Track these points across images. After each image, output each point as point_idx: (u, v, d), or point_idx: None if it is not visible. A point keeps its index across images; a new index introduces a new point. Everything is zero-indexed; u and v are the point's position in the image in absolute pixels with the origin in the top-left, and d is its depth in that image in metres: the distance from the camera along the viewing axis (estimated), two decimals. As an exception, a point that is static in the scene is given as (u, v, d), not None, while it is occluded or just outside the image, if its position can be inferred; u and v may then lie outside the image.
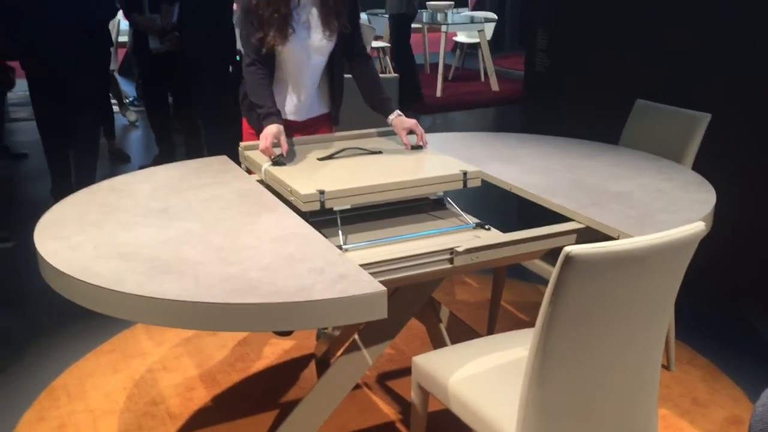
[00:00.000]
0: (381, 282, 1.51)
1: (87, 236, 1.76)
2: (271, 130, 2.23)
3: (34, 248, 1.71)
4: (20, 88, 5.62)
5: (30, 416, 2.43)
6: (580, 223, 1.96)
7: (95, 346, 2.86)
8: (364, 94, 2.54)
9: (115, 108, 6.82)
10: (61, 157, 4.34)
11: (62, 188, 4.18)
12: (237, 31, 4.79)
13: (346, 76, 2.59)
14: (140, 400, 2.53)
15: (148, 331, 2.97)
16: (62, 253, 1.66)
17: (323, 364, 2.71)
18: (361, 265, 1.61)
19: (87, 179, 4.12)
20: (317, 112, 2.59)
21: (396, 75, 3.44)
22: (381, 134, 2.56)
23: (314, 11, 2.41)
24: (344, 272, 1.54)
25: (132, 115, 6.68)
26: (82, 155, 4.38)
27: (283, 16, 2.33)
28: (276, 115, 2.30)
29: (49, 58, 4.00)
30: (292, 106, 2.53)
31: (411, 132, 2.40)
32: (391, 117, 2.44)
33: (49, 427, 2.38)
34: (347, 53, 2.53)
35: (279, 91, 2.48)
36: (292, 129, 2.50)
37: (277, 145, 2.23)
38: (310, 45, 2.42)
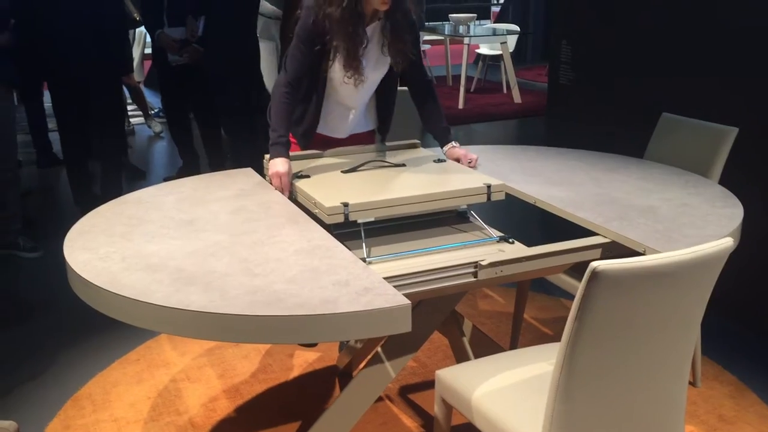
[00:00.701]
0: (405, 295, 1.51)
1: (115, 248, 1.78)
2: (279, 169, 2.19)
3: (62, 258, 1.74)
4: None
5: (56, 425, 2.46)
6: (605, 237, 1.94)
7: (120, 356, 2.89)
8: (424, 121, 2.58)
9: (141, 120, 6.92)
10: (80, 168, 4.41)
11: (86, 198, 4.24)
12: (261, 44, 4.84)
13: (400, 88, 2.59)
14: (164, 410, 2.54)
15: (172, 342, 2.99)
16: (91, 264, 1.68)
17: (346, 377, 2.70)
18: (385, 278, 1.61)
19: (113, 191, 4.18)
20: (362, 129, 2.59)
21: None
22: (405, 147, 2.57)
23: (374, 40, 2.34)
24: (369, 285, 1.55)
25: (157, 127, 6.76)
26: (103, 167, 4.45)
27: (353, 49, 2.25)
28: (284, 146, 2.25)
29: (65, 70, 4.08)
30: (336, 124, 2.51)
31: (458, 160, 2.46)
32: (446, 148, 2.50)
33: (75, 436, 2.40)
34: (409, 81, 2.52)
35: (327, 106, 2.45)
36: (332, 144, 2.51)
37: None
38: (366, 74, 2.35)
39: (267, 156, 2.39)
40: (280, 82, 2.34)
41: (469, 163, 2.43)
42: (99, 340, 2.98)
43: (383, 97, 2.53)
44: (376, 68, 2.37)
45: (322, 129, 2.50)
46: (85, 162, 4.43)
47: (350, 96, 2.43)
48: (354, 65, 2.27)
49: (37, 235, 4.07)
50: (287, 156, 2.25)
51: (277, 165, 2.21)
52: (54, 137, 5.92)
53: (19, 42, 3.95)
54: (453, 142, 2.50)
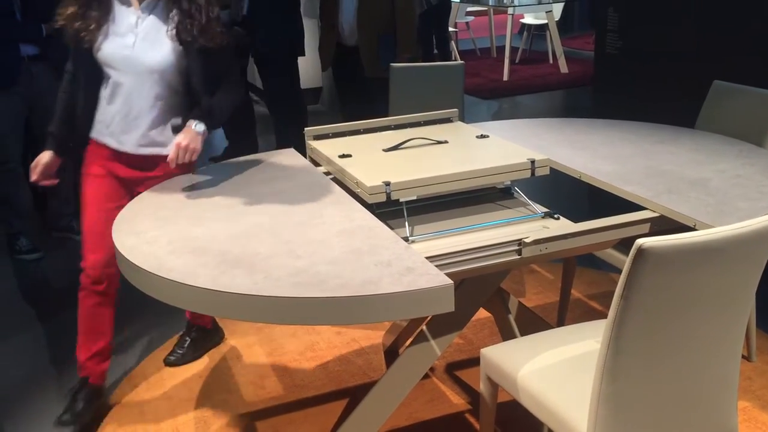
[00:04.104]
0: (447, 274, 1.50)
1: (161, 231, 1.81)
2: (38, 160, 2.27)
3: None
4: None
5: (111, 402, 2.53)
6: (653, 211, 1.90)
7: (173, 335, 2.95)
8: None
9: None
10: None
11: None
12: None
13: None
14: (215, 388, 2.60)
15: (221, 321, 3.05)
16: (139, 248, 1.71)
17: (392, 355, 2.72)
18: (428, 258, 1.60)
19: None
20: (156, 147, 2.30)
21: (462, 62, 3.40)
22: (446, 122, 2.54)
23: (153, 18, 2.20)
24: (411, 265, 1.54)
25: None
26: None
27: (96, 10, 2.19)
28: (50, 140, 2.30)
29: None
30: (117, 129, 2.27)
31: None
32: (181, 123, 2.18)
33: (130, 414, 2.47)
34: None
35: (105, 104, 2.26)
36: (115, 159, 2.29)
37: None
38: (135, 51, 2.20)
39: (307, 130, 2.38)
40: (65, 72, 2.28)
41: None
42: (152, 321, 3.06)
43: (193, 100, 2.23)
44: (153, 48, 2.16)
45: (101, 134, 2.27)
46: None
47: (128, 86, 2.19)
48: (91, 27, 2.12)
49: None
50: (52, 149, 2.26)
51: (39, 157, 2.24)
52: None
53: None
54: (194, 122, 2.14)
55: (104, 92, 2.22)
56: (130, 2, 2.18)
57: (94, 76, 2.22)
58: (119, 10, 2.18)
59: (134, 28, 2.16)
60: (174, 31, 2.16)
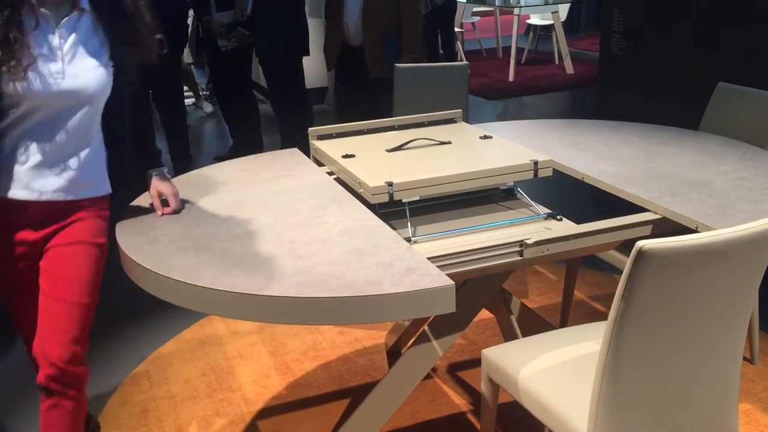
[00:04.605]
0: (449, 275, 1.50)
1: (164, 230, 1.82)
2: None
3: (115, 240, 1.79)
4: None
5: (114, 401, 2.54)
6: (656, 213, 1.90)
7: (175, 335, 2.96)
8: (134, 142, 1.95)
9: (192, 100, 7.01)
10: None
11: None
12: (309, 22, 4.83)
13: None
14: (218, 386, 2.61)
15: (224, 320, 3.06)
16: (141, 247, 1.72)
17: (394, 355, 2.72)
18: (430, 258, 1.61)
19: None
20: (77, 191, 1.85)
21: (466, 63, 3.40)
22: (450, 123, 2.54)
23: (76, 35, 1.77)
24: (412, 266, 1.54)
25: (208, 107, 6.85)
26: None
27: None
28: None
29: None
30: (21, 171, 1.76)
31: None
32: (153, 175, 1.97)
33: (132, 412, 2.48)
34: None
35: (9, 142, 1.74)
36: (12, 212, 1.78)
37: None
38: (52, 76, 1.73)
39: (311, 130, 2.38)
40: None
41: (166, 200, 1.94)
42: (154, 320, 3.06)
43: (116, 128, 1.86)
44: (86, 72, 1.74)
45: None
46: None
47: (52, 120, 1.74)
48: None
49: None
50: None
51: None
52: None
53: None
54: (157, 169, 1.98)
55: (8, 134, 1.72)
56: (47, 19, 1.72)
57: None
58: (34, 32, 1.70)
59: (57, 51, 1.72)
60: (107, 49, 1.79)
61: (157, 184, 1.96)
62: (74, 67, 1.73)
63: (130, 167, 1.91)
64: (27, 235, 1.79)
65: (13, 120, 1.70)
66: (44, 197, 1.76)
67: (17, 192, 1.74)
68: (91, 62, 1.76)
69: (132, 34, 1.80)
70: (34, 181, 1.74)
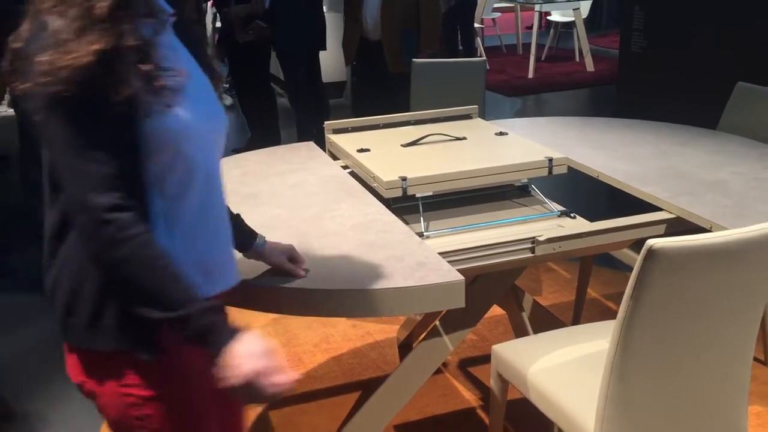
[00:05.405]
0: (460, 270, 1.51)
1: (179, 220, 1.83)
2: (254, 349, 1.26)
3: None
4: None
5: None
6: (670, 213, 1.89)
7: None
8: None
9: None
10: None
11: None
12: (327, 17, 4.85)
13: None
14: (230, 376, 2.63)
15: (237, 311, 3.08)
16: (156, 236, 1.74)
17: (406, 349, 2.73)
18: (441, 254, 1.61)
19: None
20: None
21: (484, 59, 3.39)
22: (466, 119, 2.54)
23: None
24: (423, 260, 1.55)
25: (227, 100, 6.89)
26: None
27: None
28: (216, 312, 1.26)
29: None
30: (216, 251, 1.37)
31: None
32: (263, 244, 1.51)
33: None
34: None
35: (195, 219, 1.30)
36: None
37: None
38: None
39: (327, 124, 2.39)
40: (117, 221, 1.09)
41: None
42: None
43: None
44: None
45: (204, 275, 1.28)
46: None
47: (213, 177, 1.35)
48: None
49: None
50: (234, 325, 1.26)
51: (248, 346, 1.25)
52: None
53: None
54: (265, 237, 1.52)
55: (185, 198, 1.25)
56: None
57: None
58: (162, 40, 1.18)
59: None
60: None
61: (281, 252, 1.52)
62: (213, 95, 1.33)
63: None
64: None
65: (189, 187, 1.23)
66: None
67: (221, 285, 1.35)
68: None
69: (204, 60, 1.31)
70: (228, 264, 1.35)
